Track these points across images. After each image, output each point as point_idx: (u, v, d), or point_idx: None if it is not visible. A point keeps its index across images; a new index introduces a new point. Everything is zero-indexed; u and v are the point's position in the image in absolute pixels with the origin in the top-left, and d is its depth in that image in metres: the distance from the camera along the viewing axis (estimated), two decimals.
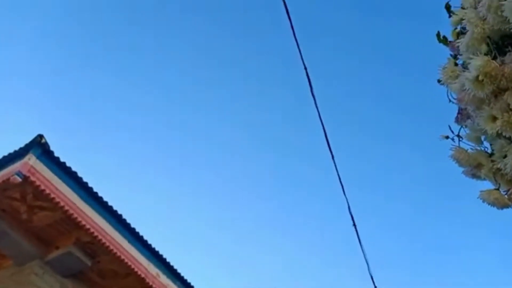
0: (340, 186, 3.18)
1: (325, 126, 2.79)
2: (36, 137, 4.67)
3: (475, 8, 1.08)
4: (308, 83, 2.57)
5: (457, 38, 1.42)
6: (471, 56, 1.09)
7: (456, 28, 1.43)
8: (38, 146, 4.61)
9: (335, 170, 3.10)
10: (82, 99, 12.96)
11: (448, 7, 1.44)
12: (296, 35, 2.43)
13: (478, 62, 1.04)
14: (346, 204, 3.29)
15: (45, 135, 4.62)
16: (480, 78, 1.04)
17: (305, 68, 2.55)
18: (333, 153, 2.93)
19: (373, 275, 3.77)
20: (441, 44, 1.54)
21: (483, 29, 1.06)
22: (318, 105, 2.76)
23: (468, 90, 1.10)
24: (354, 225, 3.39)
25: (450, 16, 1.45)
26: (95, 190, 5.00)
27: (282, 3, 2.45)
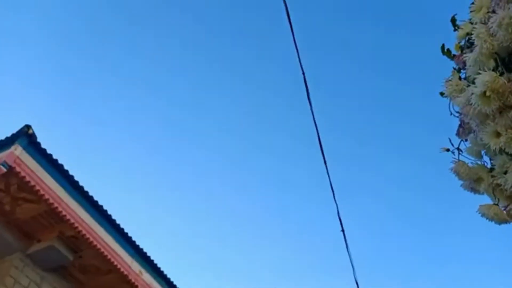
0: (331, 191, 3.19)
1: (319, 130, 2.79)
2: (23, 127, 4.58)
3: (485, 23, 1.09)
4: (305, 88, 2.57)
5: (461, 51, 1.43)
6: (479, 71, 1.10)
7: (460, 42, 1.44)
8: (25, 137, 4.52)
9: (326, 175, 3.11)
10: (81, 99, 12.83)
11: (453, 21, 1.45)
12: (296, 40, 2.43)
13: (486, 78, 1.05)
14: (336, 209, 3.29)
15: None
16: (487, 94, 1.05)
17: (303, 73, 2.55)
18: (326, 157, 2.94)
19: (358, 281, 3.78)
20: (438, 52, 1.54)
21: (492, 45, 1.06)
22: (313, 110, 2.76)
23: (474, 104, 1.10)
24: (342, 230, 3.40)
25: (455, 30, 1.46)
26: (81, 183, 4.93)
27: (284, 8, 2.45)
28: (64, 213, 4.73)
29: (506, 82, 1.04)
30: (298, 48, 2.57)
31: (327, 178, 3.09)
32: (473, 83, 1.15)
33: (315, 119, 2.80)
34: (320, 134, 2.84)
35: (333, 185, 3.12)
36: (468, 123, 1.27)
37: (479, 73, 1.08)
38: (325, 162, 3.12)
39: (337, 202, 3.26)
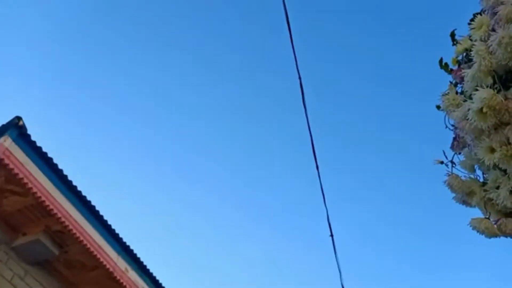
0: (322, 196, 3.21)
1: (313, 134, 2.81)
2: (13, 119, 4.53)
3: (485, 41, 1.11)
4: (301, 94, 2.58)
5: (458, 66, 1.45)
6: (476, 87, 1.12)
7: (457, 57, 1.46)
8: (15, 128, 4.47)
9: (318, 180, 3.13)
10: (81, 99, 12.72)
11: (452, 35, 1.48)
12: (294, 40, 2.44)
13: (483, 95, 1.07)
14: (326, 213, 3.32)
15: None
16: (484, 110, 1.07)
17: (299, 78, 2.56)
18: (318, 161, 2.96)
19: (345, 286, 3.81)
20: (438, 58, 1.57)
21: (491, 62, 1.09)
22: (308, 114, 2.78)
23: (470, 120, 1.12)
24: (331, 235, 3.42)
25: (453, 44, 1.48)
26: (69, 178, 4.89)
27: (283, 11, 2.46)
28: (51, 207, 4.68)
29: (503, 99, 1.06)
30: (296, 49, 2.58)
31: (319, 182, 3.11)
32: (470, 98, 1.17)
33: (310, 123, 2.82)
34: (313, 138, 2.86)
35: (324, 190, 3.14)
36: (463, 137, 1.29)
37: (477, 89, 1.11)
38: (317, 167, 3.14)
39: (327, 207, 3.28)
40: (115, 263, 5.15)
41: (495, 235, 1.20)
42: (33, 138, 4.54)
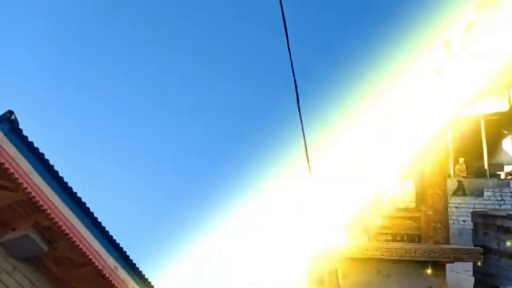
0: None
1: (309, 136, 2.82)
2: (5, 113, 4.49)
3: None
4: (296, 98, 2.59)
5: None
6: None
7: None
8: (7, 122, 4.43)
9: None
10: (81, 99, 12.63)
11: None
12: (294, 46, 2.45)
13: None
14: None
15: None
16: None
17: (295, 81, 2.57)
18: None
19: None
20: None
21: None
22: (302, 117, 2.78)
23: None
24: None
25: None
26: (61, 174, 4.86)
27: (280, 12, 2.47)
28: (41, 202, 4.65)
29: None
30: (295, 50, 2.59)
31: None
32: None
33: (306, 124, 2.83)
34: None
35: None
36: None
37: None
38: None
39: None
40: (105, 261, 5.12)
41: None
42: (25, 133, 4.51)
